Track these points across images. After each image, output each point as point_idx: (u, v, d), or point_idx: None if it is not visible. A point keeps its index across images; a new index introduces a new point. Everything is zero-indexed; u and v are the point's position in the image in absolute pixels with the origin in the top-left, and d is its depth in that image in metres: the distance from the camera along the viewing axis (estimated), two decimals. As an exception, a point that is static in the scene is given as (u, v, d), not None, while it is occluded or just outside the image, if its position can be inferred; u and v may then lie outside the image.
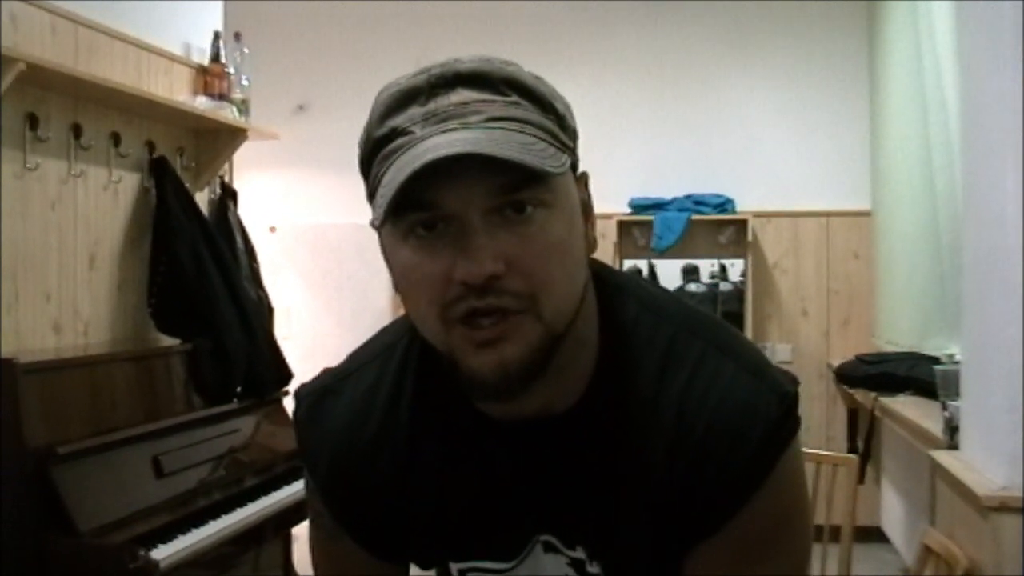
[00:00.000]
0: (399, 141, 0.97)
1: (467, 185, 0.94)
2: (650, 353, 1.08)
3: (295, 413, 1.24)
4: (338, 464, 1.18)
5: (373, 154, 1.00)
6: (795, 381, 1.10)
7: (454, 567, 1.19)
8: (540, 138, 0.97)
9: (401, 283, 1.02)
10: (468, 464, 1.13)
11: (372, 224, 0.99)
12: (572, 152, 1.03)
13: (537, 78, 1.04)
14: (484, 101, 0.97)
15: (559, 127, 1.01)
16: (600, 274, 1.13)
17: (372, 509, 1.18)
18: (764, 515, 1.05)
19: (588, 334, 1.09)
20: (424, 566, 1.23)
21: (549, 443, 1.09)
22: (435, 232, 0.96)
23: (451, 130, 0.94)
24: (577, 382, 1.08)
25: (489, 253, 0.94)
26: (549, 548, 1.14)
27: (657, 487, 1.06)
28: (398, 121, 0.98)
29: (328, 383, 1.22)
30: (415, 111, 0.98)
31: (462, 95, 0.97)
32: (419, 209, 0.96)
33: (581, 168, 1.08)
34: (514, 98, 0.99)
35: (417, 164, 0.91)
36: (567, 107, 1.06)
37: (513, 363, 0.97)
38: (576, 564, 1.13)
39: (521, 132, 0.95)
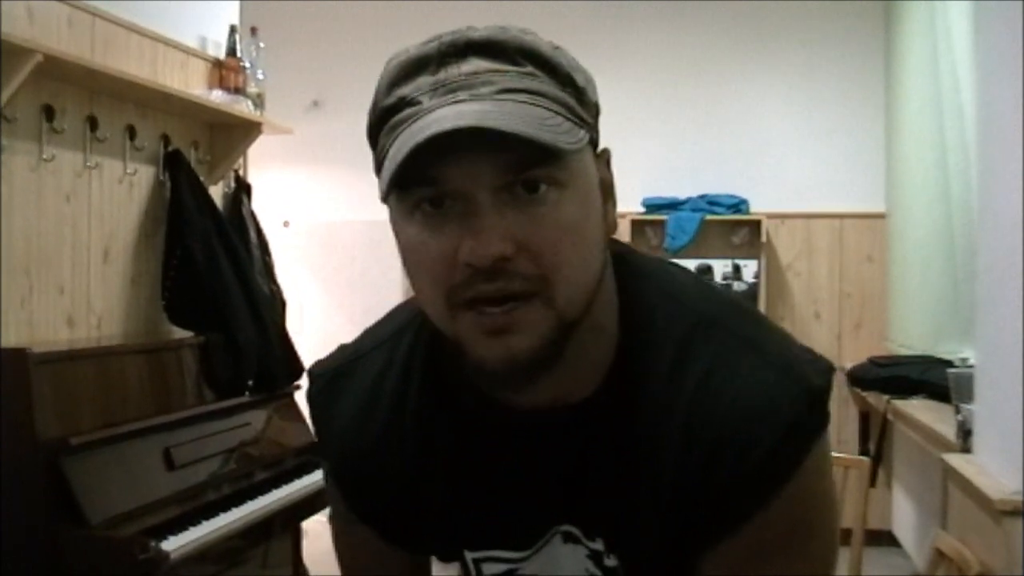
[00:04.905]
0: (406, 112, 0.92)
1: (475, 161, 0.89)
2: (668, 344, 1.02)
3: (308, 392, 1.22)
4: (349, 450, 1.16)
5: (380, 124, 0.96)
6: (826, 371, 1.02)
7: (469, 556, 1.16)
8: (555, 112, 0.91)
9: (407, 261, 0.97)
10: (480, 452, 1.09)
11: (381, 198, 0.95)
12: (591, 128, 0.98)
13: (556, 48, 0.98)
14: (497, 71, 0.92)
15: (577, 100, 0.96)
16: (624, 258, 1.08)
17: (384, 497, 1.16)
18: (786, 518, 0.99)
19: (605, 321, 1.03)
20: (442, 557, 1.20)
21: (564, 433, 1.05)
22: (442, 209, 0.92)
23: (460, 101, 0.90)
24: (594, 371, 1.03)
25: (497, 233, 0.89)
26: (569, 538, 1.10)
27: (673, 484, 1.00)
28: (406, 91, 0.93)
29: (340, 364, 1.20)
30: (424, 80, 0.93)
31: (474, 64, 0.92)
32: (425, 184, 0.91)
33: None
34: (529, 68, 0.93)
35: (420, 137, 0.86)
36: (588, 79, 1.00)
37: (522, 353, 0.93)
38: (595, 556, 1.09)
39: (535, 105, 0.90)
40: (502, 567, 1.14)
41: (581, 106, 0.96)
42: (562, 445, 1.05)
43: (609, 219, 1.02)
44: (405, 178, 0.90)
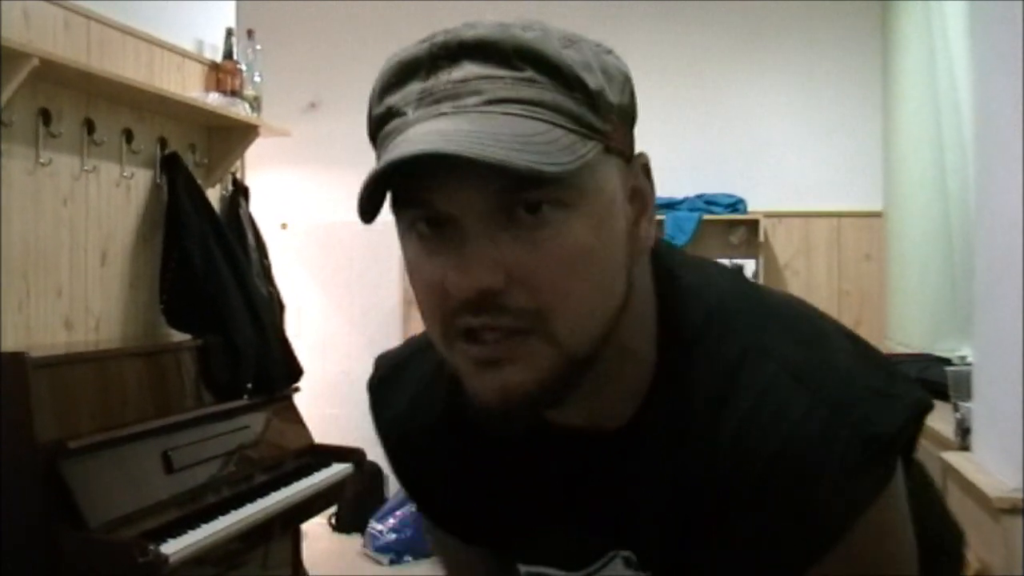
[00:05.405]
0: (393, 124, 0.84)
1: (462, 182, 0.80)
2: (712, 374, 0.91)
3: (369, 380, 1.19)
4: (400, 440, 1.14)
5: (375, 134, 0.88)
6: (897, 412, 0.87)
7: (522, 569, 1.10)
8: (555, 124, 0.81)
9: (409, 278, 0.89)
10: (519, 464, 1.03)
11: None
12: (607, 136, 0.86)
13: (571, 43, 0.86)
14: (488, 77, 0.82)
15: (589, 107, 0.84)
16: (669, 271, 0.97)
17: (431, 489, 1.14)
18: (848, 568, 0.89)
19: (638, 346, 0.94)
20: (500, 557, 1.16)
21: (600, 458, 0.97)
22: (437, 231, 0.83)
23: (443, 115, 0.81)
24: (627, 398, 0.95)
25: (484, 263, 0.80)
26: (630, 564, 1.02)
27: (715, 528, 0.91)
28: (395, 99, 0.85)
29: (402, 355, 1.16)
30: (413, 88, 0.84)
31: (466, 70, 0.82)
32: (414, 206, 0.84)
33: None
34: (528, 73, 0.82)
35: (381, 165, 0.78)
36: (611, 77, 0.88)
37: (517, 388, 0.84)
38: None
39: (528, 117, 0.80)
40: None
41: (593, 112, 0.84)
42: (600, 469, 0.98)
43: (642, 234, 0.91)
44: (394, 199, 0.84)
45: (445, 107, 0.82)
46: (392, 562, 5.42)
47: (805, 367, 0.89)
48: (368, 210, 0.83)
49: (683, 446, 0.92)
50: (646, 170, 0.93)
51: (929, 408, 0.90)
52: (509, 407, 0.85)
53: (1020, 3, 2.55)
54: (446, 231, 0.83)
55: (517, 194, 0.81)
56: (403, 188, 0.83)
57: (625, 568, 1.02)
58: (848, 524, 0.87)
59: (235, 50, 4.26)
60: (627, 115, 0.90)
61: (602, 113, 0.86)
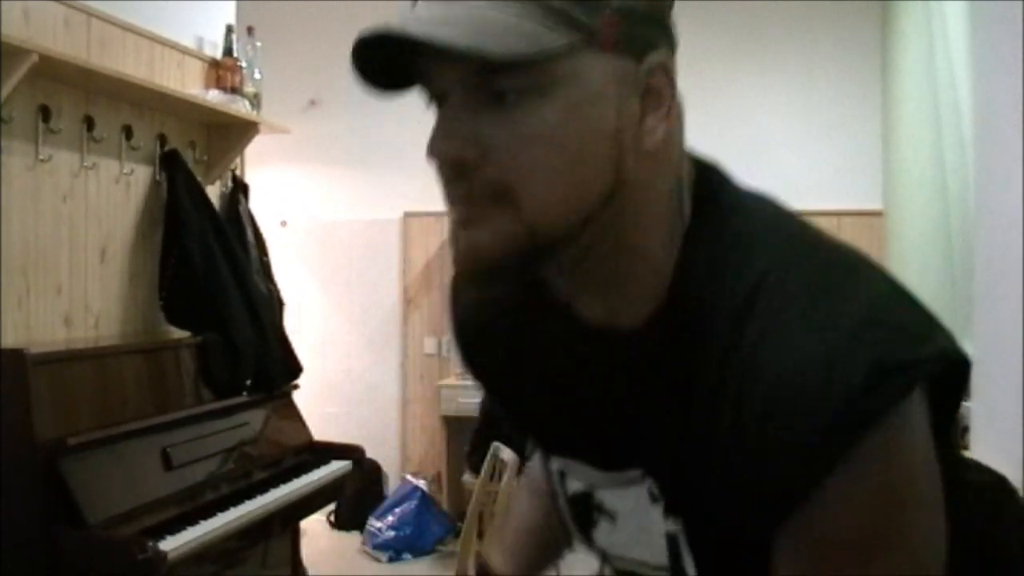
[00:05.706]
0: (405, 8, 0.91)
1: (444, 63, 0.87)
2: (732, 291, 0.91)
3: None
4: (464, 331, 1.22)
5: None
6: (917, 346, 0.86)
7: (554, 467, 1.15)
8: (528, 15, 0.85)
9: None
10: (552, 351, 1.07)
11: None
12: (592, 31, 0.87)
13: None
14: None
15: (574, 0, 0.86)
16: (718, 185, 1.03)
17: (488, 370, 1.22)
18: (851, 509, 0.86)
19: (651, 248, 0.96)
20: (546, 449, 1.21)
21: (615, 357, 1.00)
22: (437, 103, 0.91)
23: (430, 1, 0.87)
24: (643, 300, 0.97)
25: (458, 136, 0.88)
26: (655, 499, 1.01)
27: (720, 445, 0.90)
28: None
29: None
30: None
31: None
32: (423, 81, 0.91)
33: None
34: None
35: (353, 44, 0.88)
36: None
37: (483, 253, 0.90)
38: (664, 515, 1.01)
39: (499, 7, 0.85)
40: (581, 484, 1.10)
41: (576, 5, 0.86)
42: (615, 370, 1.01)
43: (648, 133, 0.94)
44: (408, 77, 0.91)
45: None
46: (391, 560, 5.43)
47: (827, 288, 0.89)
48: (375, 80, 0.93)
49: (693, 359, 0.93)
50: (664, 70, 0.95)
51: (958, 358, 0.88)
52: (475, 268, 0.92)
53: (1020, 3, 2.55)
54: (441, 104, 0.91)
55: (493, 77, 0.86)
56: (414, 66, 0.90)
57: (652, 503, 1.01)
58: (844, 451, 0.83)
59: (235, 47, 4.26)
60: (635, 14, 0.91)
61: (590, 9, 0.87)
